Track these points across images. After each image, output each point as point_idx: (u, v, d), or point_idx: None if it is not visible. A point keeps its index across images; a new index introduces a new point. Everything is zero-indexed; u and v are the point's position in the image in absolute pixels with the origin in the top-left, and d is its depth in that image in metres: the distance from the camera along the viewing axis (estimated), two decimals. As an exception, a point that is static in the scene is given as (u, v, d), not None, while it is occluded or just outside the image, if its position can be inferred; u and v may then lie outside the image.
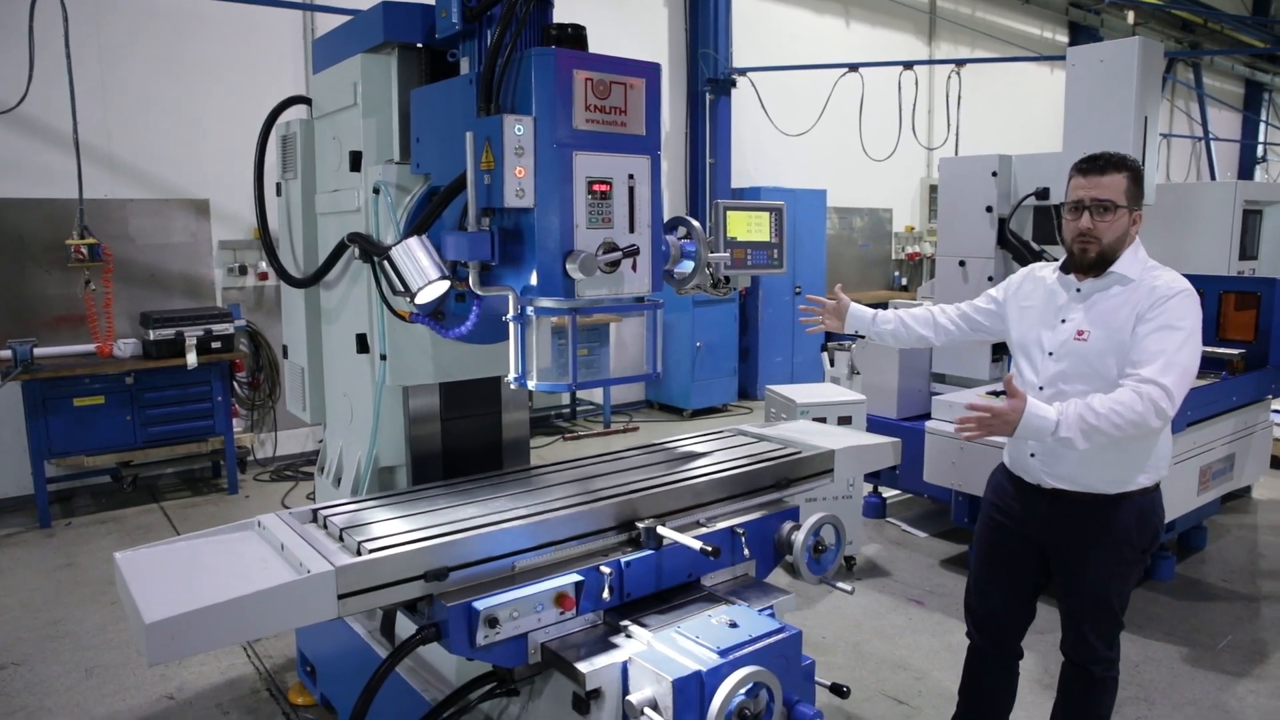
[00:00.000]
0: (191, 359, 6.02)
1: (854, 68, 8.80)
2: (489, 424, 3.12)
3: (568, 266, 2.21)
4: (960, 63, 8.61)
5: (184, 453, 6.35)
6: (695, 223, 2.61)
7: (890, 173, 11.06)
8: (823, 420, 4.78)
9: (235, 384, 6.75)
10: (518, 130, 2.15)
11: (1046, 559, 2.76)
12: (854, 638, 4.15)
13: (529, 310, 2.30)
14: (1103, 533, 2.59)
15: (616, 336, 2.55)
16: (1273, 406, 5.34)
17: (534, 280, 2.25)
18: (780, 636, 2.07)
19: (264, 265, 7.01)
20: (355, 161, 2.84)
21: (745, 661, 1.96)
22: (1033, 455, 2.66)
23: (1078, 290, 2.62)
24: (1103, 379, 2.50)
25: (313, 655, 3.41)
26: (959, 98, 8.52)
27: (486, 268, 2.32)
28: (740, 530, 2.51)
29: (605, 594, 2.19)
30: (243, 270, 6.98)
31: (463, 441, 3.04)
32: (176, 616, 1.64)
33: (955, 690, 3.72)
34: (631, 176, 2.33)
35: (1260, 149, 20.23)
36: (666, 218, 2.57)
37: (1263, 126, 20.15)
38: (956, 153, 8.79)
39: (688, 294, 2.71)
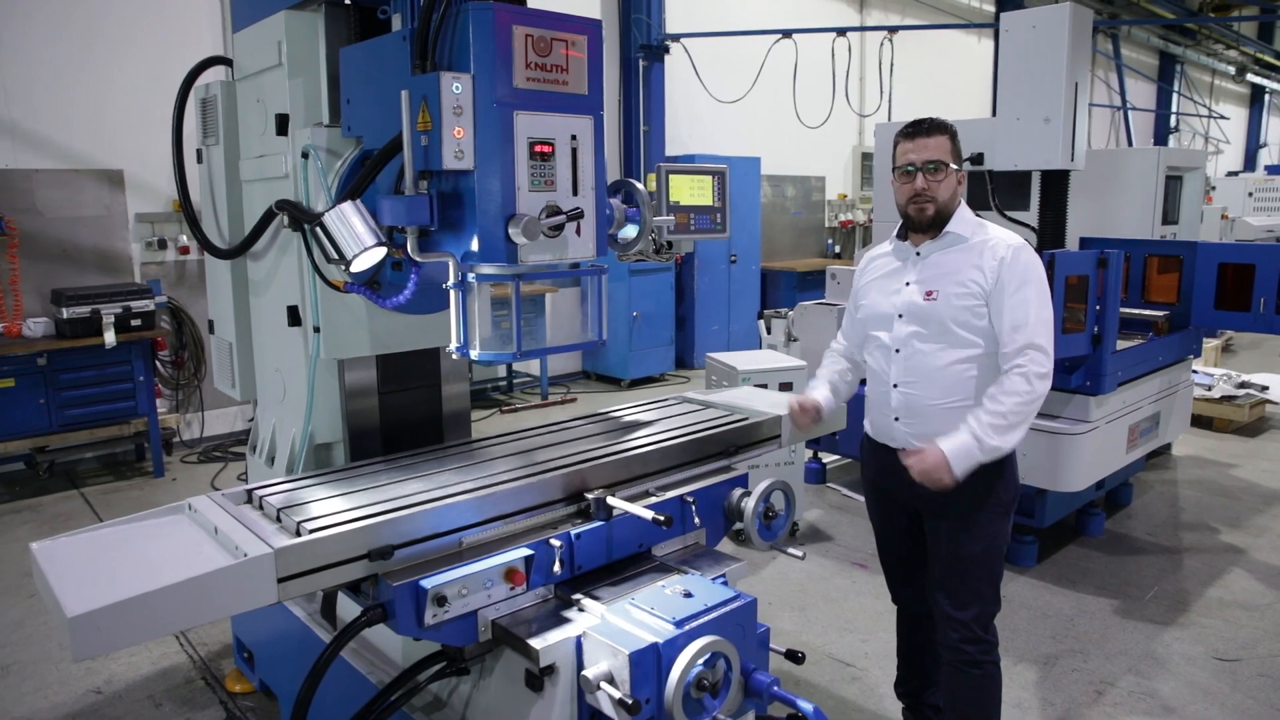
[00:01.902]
0: (109, 338, 5.75)
1: (788, 34, 8.78)
2: (428, 397, 3.02)
3: (510, 231, 2.13)
4: (893, 29, 8.65)
5: (105, 436, 6.08)
6: (640, 186, 2.54)
7: (823, 140, 11.12)
8: (764, 387, 4.79)
9: (158, 363, 6.48)
10: (455, 89, 2.05)
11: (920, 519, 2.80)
12: (800, 601, 4.19)
13: (470, 277, 2.22)
14: (970, 491, 2.56)
15: (554, 304, 2.49)
16: (1192, 367, 5.53)
17: (475, 246, 2.17)
18: (736, 605, 2.05)
19: (185, 239, 6.72)
20: (282, 125, 2.70)
21: (702, 632, 1.93)
22: (897, 419, 2.70)
23: (917, 254, 2.67)
24: (953, 335, 2.56)
25: (250, 640, 3.30)
26: (892, 65, 8.56)
27: (425, 233, 2.23)
28: (690, 499, 2.48)
29: (556, 567, 2.13)
30: (162, 244, 6.67)
31: (401, 415, 2.94)
32: (102, 609, 1.54)
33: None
34: (574, 138, 2.25)
35: (1173, 119, 20.92)
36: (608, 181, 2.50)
37: (1175, 97, 20.83)
38: (890, 119, 8.84)
39: (630, 259, 2.65)
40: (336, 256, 2.23)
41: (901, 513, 2.85)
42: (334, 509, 2.04)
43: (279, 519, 2.03)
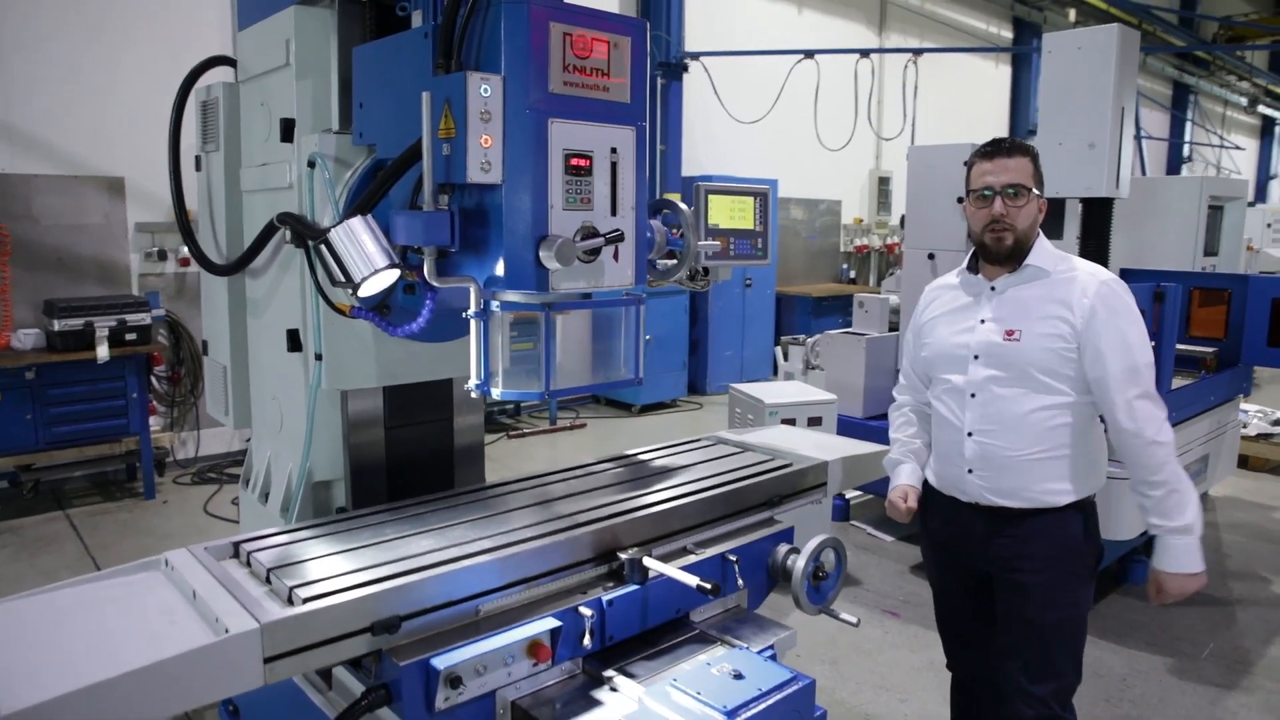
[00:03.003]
0: (103, 352, 5.49)
1: (810, 54, 8.57)
2: (439, 430, 2.76)
3: (541, 254, 1.88)
4: (917, 52, 8.44)
5: (94, 454, 5.80)
6: (683, 206, 2.29)
7: (840, 163, 10.89)
8: (792, 421, 4.53)
9: (153, 379, 6.22)
10: (484, 91, 1.80)
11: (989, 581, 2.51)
12: (830, 654, 3.90)
13: (494, 305, 1.96)
14: (1053, 548, 2.34)
15: (586, 336, 2.23)
16: (1241, 406, 5.27)
17: (500, 270, 1.91)
18: (793, 689, 1.78)
19: (185, 250, 6.48)
20: (287, 131, 2.46)
21: (758, 723, 1.66)
22: (971, 471, 2.40)
23: (992, 288, 2.41)
24: (1037, 381, 2.31)
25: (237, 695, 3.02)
26: (915, 87, 8.35)
27: (444, 254, 1.97)
28: (733, 557, 2.22)
29: (586, 640, 1.87)
30: (162, 255, 6.42)
31: (409, 450, 2.67)
32: (45, 703, 1.27)
33: (941, 713, 3.50)
34: (614, 151, 2.00)
35: (1186, 148, 20.75)
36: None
37: (1189, 126, 20.67)
38: (913, 143, 8.62)
39: (667, 285, 2.40)
40: (343, 278, 1.97)
41: (968, 573, 2.55)
42: (332, 570, 1.77)
43: (269, 580, 1.76)
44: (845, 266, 12.44)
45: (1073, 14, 14.46)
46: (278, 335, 2.59)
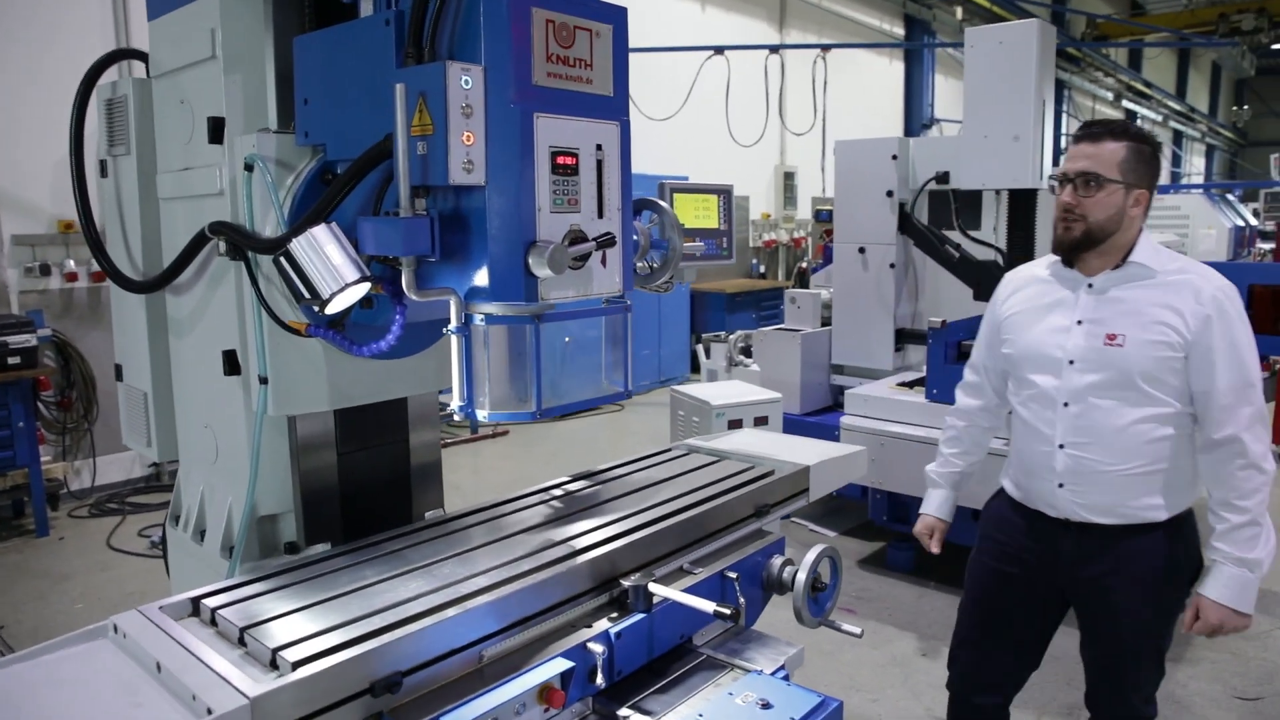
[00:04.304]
0: (-19, 379, 5.00)
1: (719, 50, 8.56)
2: (395, 452, 2.55)
3: (531, 261, 1.71)
4: (825, 47, 8.53)
5: (-25, 491, 5.29)
6: (666, 206, 2.16)
7: (749, 160, 10.95)
8: (739, 422, 4.46)
9: (40, 405, 5.70)
10: (465, 83, 1.63)
11: (1063, 604, 2.43)
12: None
13: (477, 319, 1.79)
14: (1149, 567, 2.23)
15: (566, 346, 2.08)
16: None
17: (482, 280, 1.74)
18: (826, 713, 1.68)
19: (73, 264, 5.97)
20: (216, 131, 2.20)
21: (796, 758, 1.55)
22: (1062, 486, 2.27)
23: (1089, 285, 2.25)
24: (1139, 391, 2.16)
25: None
26: (825, 83, 8.43)
27: (420, 264, 1.78)
28: (732, 574, 2.10)
29: (598, 678, 1.72)
30: (45, 270, 5.89)
31: (365, 476, 2.46)
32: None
33: (917, 712, 3.48)
34: (599, 147, 1.86)
35: (1063, 140, 21.82)
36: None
37: (1065, 119, 21.72)
38: (824, 138, 8.72)
39: (654, 291, 2.26)
40: (307, 294, 1.76)
41: (1038, 595, 2.41)
42: (316, 625, 1.56)
43: (243, 641, 1.54)
44: (755, 262, 12.54)
45: (959, 12, 14.95)
46: (210, 357, 2.33)
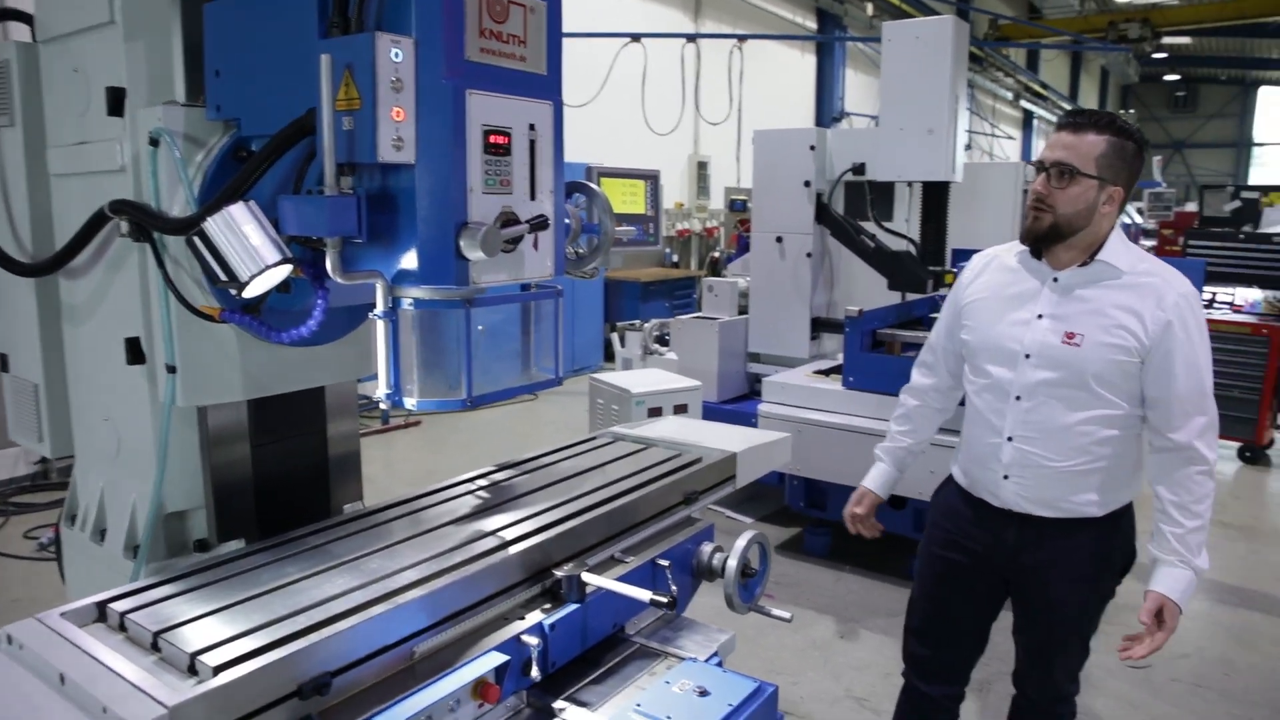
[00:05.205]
0: None
1: (636, 38, 8.54)
2: (313, 444, 2.44)
3: (462, 244, 1.66)
4: (742, 38, 8.59)
5: None
6: (597, 189, 2.12)
7: (663, 148, 10.96)
8: (659, 410, 4.46)
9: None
10: (395, 56, 1.56)
11: (1006, 591, 2.47)
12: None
13: (405, 303, 1.72)
14: (1084, 560, 2.29)
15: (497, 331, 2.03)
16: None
17: (412, 263, 1.68)
18: (762, 699, 1.68)
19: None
20: (115, 103, 2.06)
21: (736, 744, 1.55)
22: (1007, 477, 2.30)
23: (1055, 280, 2.23)
24: (1091, 392, 2.17)
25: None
26: (741, 73, 8.50)
27: (343, 246, 1.70)
28: (664, 562, 2.09)
29: (533, 671, 1.68)
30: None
31: (280, 469, 2.35)
32: None
33: (838, 693, 3.55)
34: (532, 127, 1.81)
35: (966, 137, 22.59)
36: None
37: (968, 116, 22.48)
38: (739, 128, 8.79)
39: (582, 277, 2.23)
40: (224, 277, 1.66)
41: (984, 582, 2.44)
42: (237, 627, 1.48)
43: (157, 647, 1.44)
44: (669, 251, 12.57)
45: (870, 7, 15.29)
46: (109, 345, 2.19)
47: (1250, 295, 7.29)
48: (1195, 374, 2.13)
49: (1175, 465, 2.18)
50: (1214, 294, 7.33)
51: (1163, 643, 2.17)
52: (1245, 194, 11.11)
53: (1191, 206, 14.76)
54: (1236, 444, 6.91)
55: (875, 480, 2.67)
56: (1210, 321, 2.21)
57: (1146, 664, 3.77)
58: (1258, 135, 36.89)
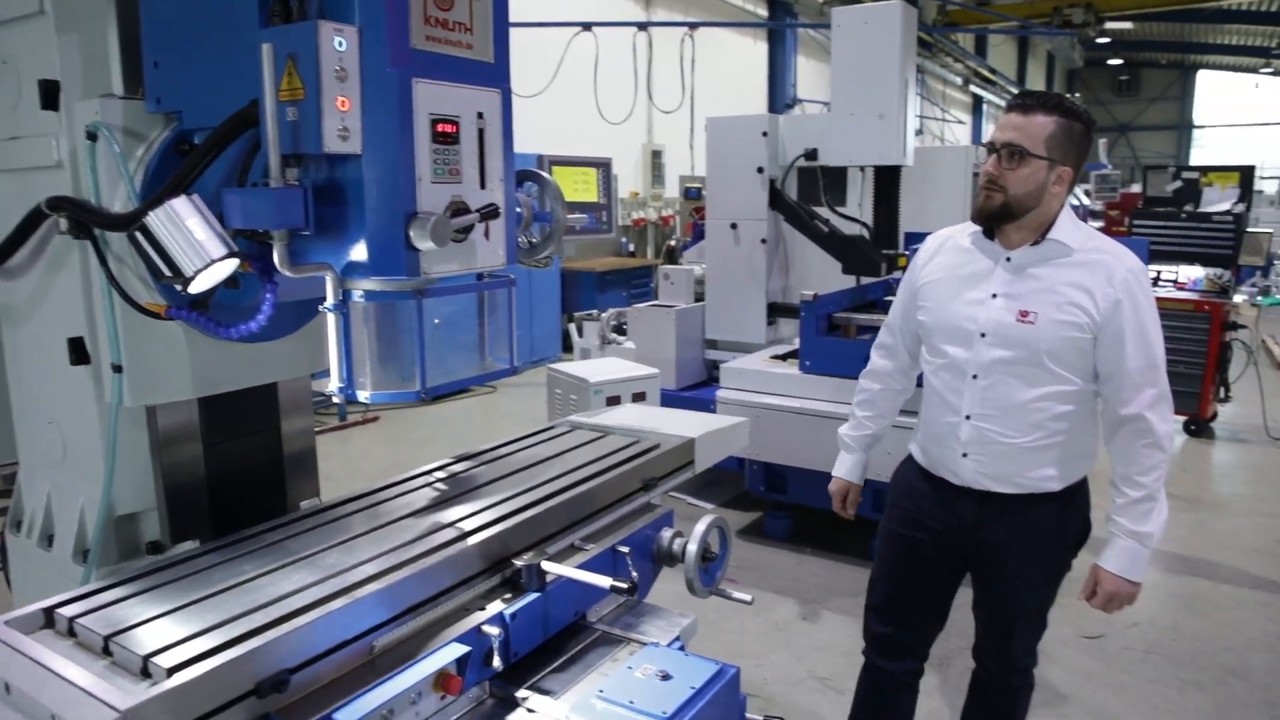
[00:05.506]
0: None
1: (587, 26, 8.50)
2: (267, 441, 2.41)
3: (412, 234, 1.64)
4: (693, 25, 8.60)
5: None
6: (548, 178, 2.12)
7: (617, 138, 10.94)
8: (617, 399, 4.46)
9: None
10: (339, 44, 1.54)
11: (965, 568, 2.51)
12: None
13: (356, 295, 1.70)
14: (1043, 535, 2.33)
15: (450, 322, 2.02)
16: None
17: (361, 254, 1.66)
18: (724, 681, 1.70)
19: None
20: (49, 96, 2.01)
21: (700, 724, 1.56)
22: (966, 455, 2.33)
23: (1008, 259, 2.25)
24: (1045, 368, 2.21)
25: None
26: (693, 61, 8.51)
27: (291, 239, 1.68)
28: (624, 549, 2.10)
29: (495, 661, 1.68)
30: None
31: (234, 467, 2.31)
32: None
33: (801, 674, 3.60)
34: (481, 116, 1.79)
35: (917, 121, 22.87)
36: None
37: (918, 101, 22.75)
38: (692, 116, 8.80)
39: (535, 266, 2.22)
40: (169, 273, 1.63)
41: (944, 559, 2.47)
42: (191, 627, 1.45)
43: (108, 651, 1.42)
44: (624, 240, 12.56)
45: (819, -5, 15.39)
46: (51, 346, 2.15)
47: (1192, 273, 7.48)
48: (1145, 348, 2.17)
49: (1126, 438, 2.23)
50: (1158, 272, 7.50)
51: (1105, 608, 2.28)
52: (1185, 174, 11.37)
53: (1137, 188, 15.08)
54: (1182, 418, 7.09)
55: (851, 471, 2.71)
56: (1156, 300, 2.27)
57: (1099, 634, 3.88)
58: (1197, 118, 37.87)
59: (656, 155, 13.00)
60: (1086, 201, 14.07)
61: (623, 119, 9.29)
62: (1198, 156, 35.61)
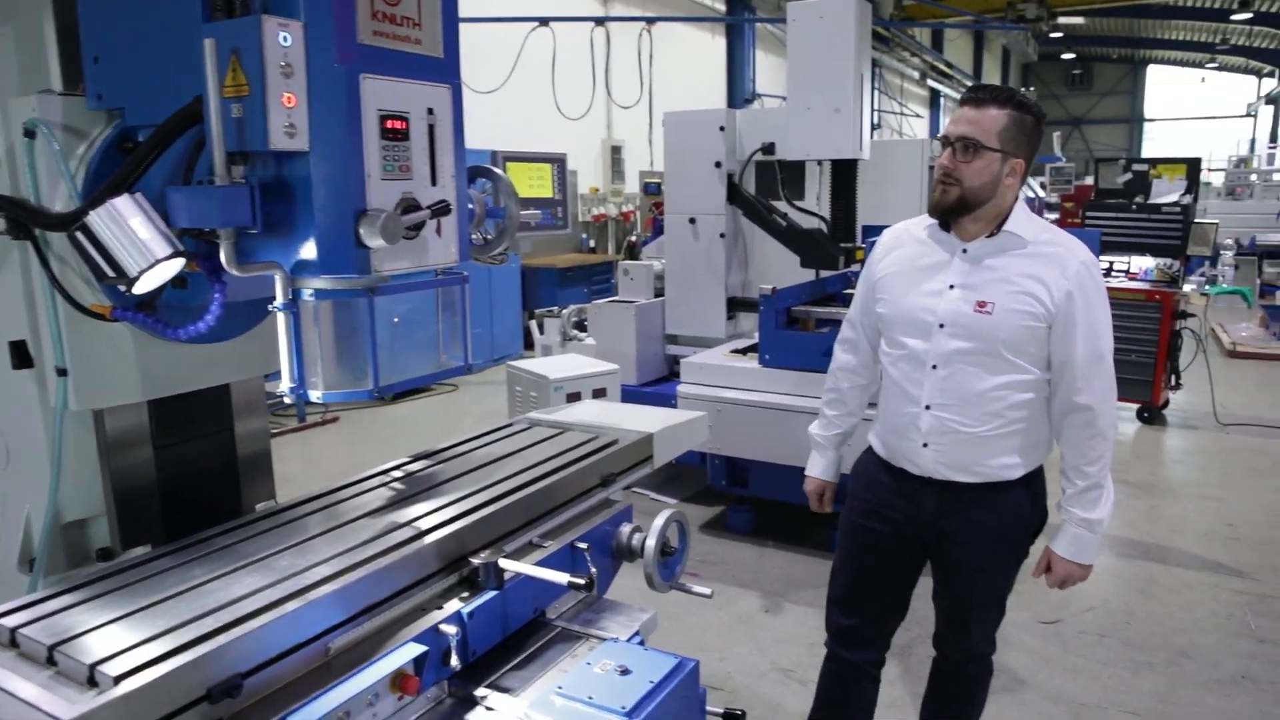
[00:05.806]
0: None
1: (545, 22, 8.46)
2: (220, 443, 2.37)
3: (362, 231, 1.63)
4: (650, 20, 8.59)
5: None
6: (501, 173, 2.10)
7: (576, 133, 10.91)
8: (578, 395, 4.46)
9: None
10: (284, 40, 1.52)
11: (925, 557, 2.53)
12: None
13: (306, 294, 1.68)
14: (1002, 523, 2.37)
15: (402, 319, 2.00)
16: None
17: (310, 253, 1.64)
18: (683, 675, 1.71)
19: None
20: (-17, 93, 1.96)
21: (659, 716, 1.57)
22: (925, 445, 2.34)
23: (964, 251, 2.29)
24: (1002, 357, 2.24)
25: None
26: (651, 56, 8.50)
27: (238, 238, 1.65)
28: (583, 545, 2.10)
29: (453, 660, 1.67)
30: None
31: (186, 470, 2.27)
32: None
33: (764, 667, 3.62)
34: (431, 111, 1.78)
35: (875, 116, 23.09)
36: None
37: (877, 95, 22.97)
38: (651, 111, 8.80)
39: (489, 263, 2.21)
40: (112, 273, 1.59)
41: (905, 550, 2.49)
42: (140, 634, 1.43)
43: (52, 660, 1.39)
44: (585, 236, 12.53)
45: (777, -10, 15.45)
46: (-6, 349, 2.09)
47: (1143, 263, 7.64)
48: (1095, 339, 2.22)
49: (1074, 427, 2.29)
50: (1110, 263, 7.65)
51: (1059, 587, 2.40)
52: (1136, 166, 11.61)
53: (1090, 180, 15.38)
54: (1135, 405, 7.25)
55: (826, 470, 2.74)
56: (1108, 290, 2.33)
57: (1056, 618, 3.95)
58: (1148, 111, 38.70)
59: (616, 151, 12.99)
60: (1042, 194, 14.32)
61: (581, 114, 9.26)
62: (1148, 149, 36.42)
